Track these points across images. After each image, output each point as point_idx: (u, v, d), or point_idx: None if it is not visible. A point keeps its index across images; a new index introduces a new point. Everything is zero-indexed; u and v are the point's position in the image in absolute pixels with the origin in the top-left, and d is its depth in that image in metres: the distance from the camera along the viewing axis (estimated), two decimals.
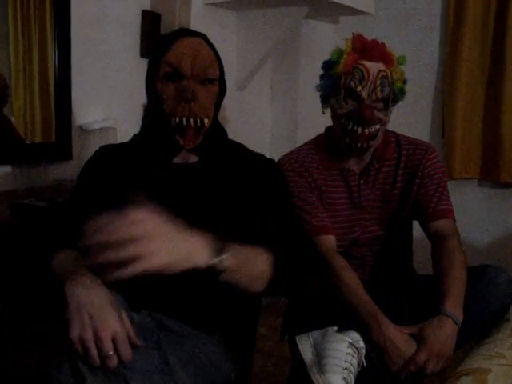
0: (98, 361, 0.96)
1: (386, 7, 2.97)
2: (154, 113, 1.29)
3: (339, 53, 1.50)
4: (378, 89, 1.47)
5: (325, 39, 3.02)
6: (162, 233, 0.92)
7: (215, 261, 1.00)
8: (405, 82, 1.56)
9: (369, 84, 1.46)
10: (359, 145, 1.49)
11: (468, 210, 2.74)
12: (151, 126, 1.32)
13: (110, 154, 1.38)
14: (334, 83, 1.50)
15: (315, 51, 2.97)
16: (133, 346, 1.00)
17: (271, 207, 1.28)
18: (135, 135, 1.38)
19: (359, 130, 1.47)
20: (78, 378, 0.95)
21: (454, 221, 1.56)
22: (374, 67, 1.47)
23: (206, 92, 1.27)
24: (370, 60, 1.47)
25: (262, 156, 1.39)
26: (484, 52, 2.72)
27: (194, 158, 1.32)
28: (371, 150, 1.55)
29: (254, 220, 1.24)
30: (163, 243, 0.91)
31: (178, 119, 1.24)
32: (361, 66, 1.47)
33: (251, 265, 1.10)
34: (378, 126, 1.49)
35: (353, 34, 1.54)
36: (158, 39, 1.34)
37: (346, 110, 1.48)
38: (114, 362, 0.97)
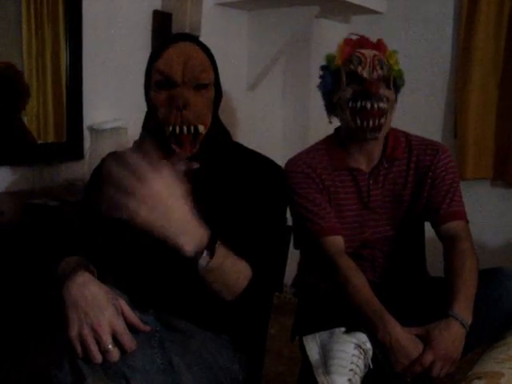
0: (99, 356, 0.96)
1: (398, 6, 2.95)
2: (151, 121, 1.28)
3: (336, 52, 1.57)
4: (378, 67, 1.51)
5: (336, 38, 2.97)
6: (157, 201, 0.95)
7: (200, 254, 1.02)
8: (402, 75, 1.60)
9: (368, 64, 1.50)
10: (371, 123, 1.49)
11: (480, 210, 2.71)
12: (149, 134, 1.29)
13: None
14: (335, 75, 1.54)
15: (327, 51, 2.93)
16: (142, 331, 1.01)
17: (261, 214, 1.26)
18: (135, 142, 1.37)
19: (368, 105, 1.48)
20: (78, 377, 0.95)
21: (467, 222, 1.55)
22: (368, 52, 1.52)
23: (200, 98, 1.24)
24: (364, 48, 1.53)
25: (263, 160, 1.35)
26: (497, 51, 2.69)
27: (195, 165, 1.29)
28: (382, 134, 1.54)
29: (244, 227, 1.22)
30: (153, 211, 0.94)
31: (171, 127, 1.22)
32: (357, 53, 1.52)
33: (231, 274, 1.11)
34: (385, 105, 1.50)
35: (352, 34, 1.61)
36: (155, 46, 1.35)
37: (352, 90, 1.51)
38: (114, 355, 0.97)
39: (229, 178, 1.29)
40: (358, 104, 1.49)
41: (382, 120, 1.50)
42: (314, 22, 2.93)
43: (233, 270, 1.11)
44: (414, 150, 1.59)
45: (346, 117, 1.53)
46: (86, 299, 1.01)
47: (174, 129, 1.22)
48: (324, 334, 1.36)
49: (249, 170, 1.30)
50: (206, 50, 1.28)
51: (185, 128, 1.22)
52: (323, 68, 1.61)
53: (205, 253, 1.03)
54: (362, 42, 1.56)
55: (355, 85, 1.51)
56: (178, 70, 1.22)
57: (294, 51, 3.00)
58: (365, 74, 1.49)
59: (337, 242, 1.51)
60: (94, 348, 0.97)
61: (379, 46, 1.56)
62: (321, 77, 1.61)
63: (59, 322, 1.01)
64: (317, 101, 3.00)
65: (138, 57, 2.36)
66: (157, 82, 1.23)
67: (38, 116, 2.10)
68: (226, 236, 1.19)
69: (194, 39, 1.29)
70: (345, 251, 1.51)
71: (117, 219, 1.20)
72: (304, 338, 1.38)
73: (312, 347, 1.35)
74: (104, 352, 0.97)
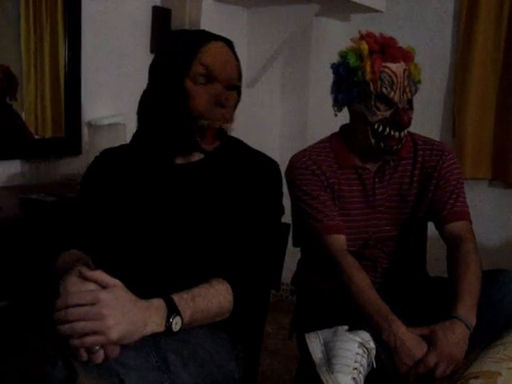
0: (85, 356, 0.97)
1: (397, 5, 2.94)
2: (172, 110, 1.25)
3: (357, 57, 1.47)
4: (407, 89, 1.47)
5: (336, 37, 3.00)
6: (116, 309, 0.97)
7: (169, 323, 1.03)
8: None
9: (399, 87, 1.45)
10: (394, 148, 1.50)
11: (479, 210, 2.68)
12: (163, 123, 1.27)
13: (112, 156, 1.37)
14: (361, 90, 1.48)
15: (326, 49, 2.95)
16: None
17: (251, 212, 1.26)
18: (135, 135, 1.35)
19: (396, 134, 1.47)
20: (71, 374, 0.95)
21: (471, 223, 1.55)
22: (399, 68, 1.46)
23: (232, 98, 1.27)
24: (393, 61, 1.46)
25: (260, 155, 1.36)
26: (497, 50, 2.69)
27: (197, 157, 1.31)
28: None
29: (238, 223, 1.23)
30: (117, 318, 0.97)
31: (206, 122, 1.23)
32: (387, 70, 1.45)
33: (207, 309, 1.12)
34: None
35: (360, 32, 1.52)
36: (175, 35, 1.31)
37: (381, 116, 1.47)
38: (99, 357, 0.97)
39: (230, 168, 1.30)
40: (386, 131, 1.47)
41: (403, 142, 1.51)
42: (313, 20, 2.92)
43: (209, 305, 1.13)
44: (419, 151, 1.59)
45: (365, 133, 1.51)
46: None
47: (209, 124, 1.23)
48: (327, 332, 1.36)
49: (245, 166, 1.31)
50: (236, 56, 1.31)
51: (219, 125, 1.24)
52: (343, 73, 1.51)
53: (174, 319, 1.05)
54: (393, 51, 1.46)
55: (384, 107, 1.47)
56: (221, 68, 1.24)
57: (293, 49, 2.99)
58: (396, 99, 1.46)
59: (340, 240, 1.50)
60: (81, 351, 0.97)
61: (407, 56, 1.49)
62: (336, 82, 1.54)
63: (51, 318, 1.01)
64: (315, 98, 3.02)
65: (137, 52, 2.36)
66: (200, 74, 1.23)
67: (36, 111, 2.09)
68: (220, 232, 1.22)
69: (230, 43, 1.31)
70: (347, 250, 1.51)
71: (112, 215, 1.20)
72: (306, 336, 1.37)
73: (315, 345, 1.35)
74: (90, 351, 0.97)
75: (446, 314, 1.34)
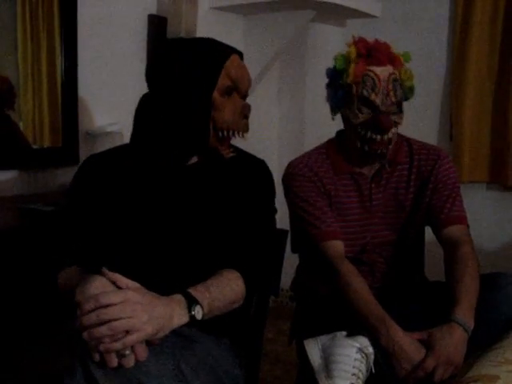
0: (115, 362, 0.97)
1: (392, 10, 2.96)
2: (197, 120, 1.27)
3: (344, 60, 1.49)
4: (391, 93, 1.46)
5: (332, 42, 3.01)
6: (146, 305, 1.00)
7: (192, 314, 1.07)
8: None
9: (381, 90, 1.45)
10: (379, 151, 1.50)
11: (476, 213, 2.70)
12: (182, 131, 1.28)
13: (103, 162, 1.37)
14: (345, 93, 1.49)
15: (322, 54, 2.96)
16: (151, 343, 1.03)
17: (251, 209, 1.32)
18: (135, 139, 1.35)
19: (378, 137, 1.47)
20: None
21: (468, 227, 1.55)
22: (383, 72, 1.46)
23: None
24: (378, 65, 1.46)
25: (252, 156, 1.42)
26: (493, 54, 2.70)
27: (192, 160, 1.34)
28: (387, 157, 1.55)
29: (233, 221, 1.29)
30: (149, 313, 0.99)
31: (231, 132, 1.29)
32: (371, 73, 1.46)
33: (223, 296, 1.16)
34: (394, 130, 1.49)
35: (353, 37, 1.53)
36: (191, 45, 1.31)
37: (362, 119, 1.48)
38: (130, 361, 0.98)
39: (223, 175, 1.34)
40: (368, 134, 1.47)
41: (390, 146, 1.51)
42: (309, 26, 2.94)
43: (223, 292, 1.17)
44: (415, 155, 1.60)
45: (351, 137, 1.53)
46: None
47: (233, 134, 1.30)
48: (325, 338, 1.36)
49: (237, 166, 1.36)
50: None
51: (241, 134, 1.32)
52: (331, 76, 1.54)
53: (194, 308, 1.08)
54: (379, 55, 1.47)
55: (366, 110, 1.47)
56: (242, 81, 1.31)
57: (289, 55, 3.01)
58: (378, 102, 1.46)
59: (337, 246, 1.50)
60: (109, 347, 0.97)
61: (393, 58, 1.49)
62: (328, 85, 1.56)
63: (70, 330, 1.01)
64: (312, 104, 3.03)
65: (134, 61, 2.36)
66: (228, 87, 1.28)
67: (34, 121, 2.09)
68: (223, 228, 1.27)
69: (242, 55, 1.36)
70: (345, 256, 1.51)
71: (117, 220, 1.19)
72: (305, 342, 1.37)
73: (313, 351, 1.35)
74: (120, 356, 0.98)
75: (444, 318, 1.34)
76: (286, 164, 1.63)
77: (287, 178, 1.59)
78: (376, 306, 1.38)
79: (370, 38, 1.52)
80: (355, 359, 1.29)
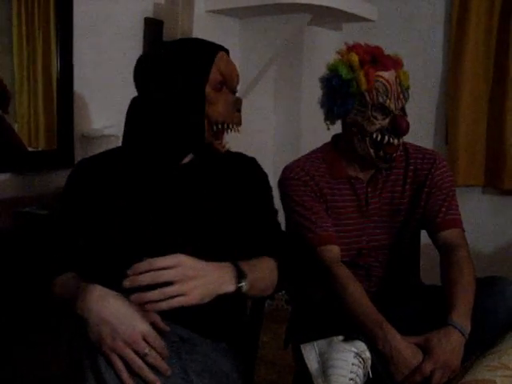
0: (139, 362, 0.99)
1: (389, 13, 2.96)
2: (191, 115, 1.28)
3: (349, 69, 1.47)
4: (401, 96, 1.48)
5: (328, 46, 3.01)
6: (197, 270, 1.07)
7: (239, 285, 1.12)
8: None
9: (393, 95, 1.46)
10: (394, 155, 1.51)
11: (472, 217, 2.71)
12: (177, 127, 1.29)
13: (97, 165, 1.36)
14: (357, 101, 1.48)
15: (318, 58, 2.96)
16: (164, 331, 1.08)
17: (256, 205, 1.37)
18: (128, 140, 1.36)
19: (396, 141, 1.48)
20: None
21: (463, 230, 1.55)
22: (391, 76, 1.48)
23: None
24: (385, 70, 1.47)
25: (242, 154, 1.45)
26: (488, 57, 2.71)
27: (186, 158, 1.35)
28: None
29: (243, 218, 1.33)
30: (199, 280, 1.06)
31: (225, 125, 1.31)
32: (381, 79, 1.47)
33: (263, 278, 1.21)
34: None
35: (346, 44, 1.53)
36: (180, 44, 1.34)
37: (379, 125, 1.48)
38: (154, 356, 1.01)
39: (219, 168, 1.37)
40: (385, 139, 1.47)
41: (400, 148, 1.53)
42: (305, 30, 2.94)
43: (264, 273, 1.23)
44: (411, 159, 1.60)
45: (363, 144, 1.51)
46: (111, 313, 1.02)
47: (227, 127, 1.32)
48: (322, 343, 1.36)
49: (232, 160, 1.40)
50: None
51: (235, 127, 1.34)
52: (336, 86, 1.50)
53: (241, 282, 1.13)
54: (384, 60, 1.47)
55: (381, 116, 1.47)
56: (231, 76, 1.33)
57: (285, 59, 3.01)
58: (392, 107, 1.47)
59: (333, 251, 1.50)
60: (132, 356, 1.00)
61: (397, 63, 1.51)
62: (331, 94, 1.53)
63: (75, 340, 1.03)
64: (309, 107, 3.02)
65: (130, 64, 2.35)
66: (219, 81, 1.30)
67: (29, 123, 2.08)
68: (220, 233, 1.29)
69: (228, 52, 1.38)
70: (341, 260, 1.51)
71: (120, 222, 1.23)
72: (302, 347, 1.37)
73: (310, 356, 1.35)
74: (143, 356, 1.00)
75: (441, 322, 1.33)
76: (281, 167, 1.62)
77: (283, 182, 1.59)
78: (373, 310, 1.37)
79: (368, 42, 1.53)
80: (352, 364, 1.28)
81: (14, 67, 2.00)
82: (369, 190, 1.58)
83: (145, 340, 1.02)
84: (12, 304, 1.44)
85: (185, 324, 1.20)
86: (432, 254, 1.57)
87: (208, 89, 1.28)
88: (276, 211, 1.43)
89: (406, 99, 1.51)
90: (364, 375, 1.31)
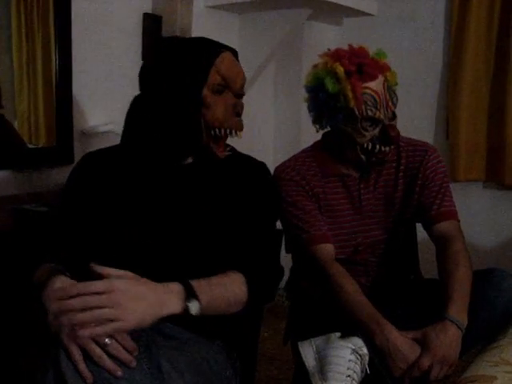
0: (98, 350, 0.97)
1: (389, 8, 2.95)
2: (188, 118, 1.27)
3: (333, 80, 1.43)
4: (390, 103, 1.46)
5: (328, 41, 3.00)
6: (131, 295, 1.01)
7: (186, 306, 1.06)
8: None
9: (382, 105, 1.44)
10: (385, 159, 1.51)
11: (473, 212, 2.71)
12: (175, 130, 1.27)
13: (101, 159, 1.36)
14: (346, 114, 1.45)
15: (318, 53, 2.95)
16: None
17: (254, 210, 1.31)
18: (127, 139, 1.35)
19: (387, 149, 1.47)
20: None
21: (458, 222, 1.54)
22: (378, 85, 1.44)
23: (243, 107, 1.34)
24: (372, 80, 1.43)
25: (251, 158, 1.41)
26: (489, 52, 2.70)
27: (187, 160, 1.33)
28: None
29: (236, 222, 1.27)
30: (133, 304, 1.00)
31: (223, 131, 1.28)
32: (368, 91, 1.42)
33: (223, 297, 1.15)
34: None
35: (328, 50, 1.49)
36: (182, 44, 1.32)
37: (369, 136, 1.46)
38: (116, 347, 0.99)
39: (222, 170, 1.34)
40: (377, 148, 1.46)
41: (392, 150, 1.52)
42: (305, 25, 2.92)
43: (225, 291, 1.15)
44: (402, 153, 1.58)
45: (354, 151, 1.50)
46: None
47: (225, 132, 1.29)
48: (319, 340, 1.36)
49: (237, 167, 1.36)
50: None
51: (234, 132, 1.30)
52: (322, 99, 1.47)
53: (191, 302, 1.07)
54: (370, 70, 1.42)
55: (370, 127, 1.45)
56: (234, 78, 1.29)
57: (285, 54, 3.00)
58: (382, 117, 1.44)
59: (327, 250, 1.49)
60: (93, 346, 0.98)
61: (384, 67, 1.46)
62: (315, 106, 1.50)
63: (42, 330, 1.01)
64: None
65: (129, 60, 2.35)
66: (219, 84, 1.27)
67: (29, 120, 2.08)
68: (226, 230, 1.25)
69: (236, 53, 1.35)
70: (338, 257, 1.50)
71: (117, 218, 1.21)
72: (299, 344, 1.37)
73: (308, 353, 1.35)
74: (104, 346, 0.98)
75: (438, 316, 1.33)
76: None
77: (275, 182, 1.57)
78: (369, 306, 1.37)
79: (360, 39, 1.49)
80: (349, 360, 1.28)
81: (14, 65, 2.00)
82: (361, 186, 1.57)
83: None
84: (12, 302, 1.44)
85: (177, 322, 1.18)
86: (432, 248, 1.57)
87: (206, 92, 1.26)
88: (273, 218, 1.38)
89: (395, 104, 1.48)
90: (361, 371, 1.32)
